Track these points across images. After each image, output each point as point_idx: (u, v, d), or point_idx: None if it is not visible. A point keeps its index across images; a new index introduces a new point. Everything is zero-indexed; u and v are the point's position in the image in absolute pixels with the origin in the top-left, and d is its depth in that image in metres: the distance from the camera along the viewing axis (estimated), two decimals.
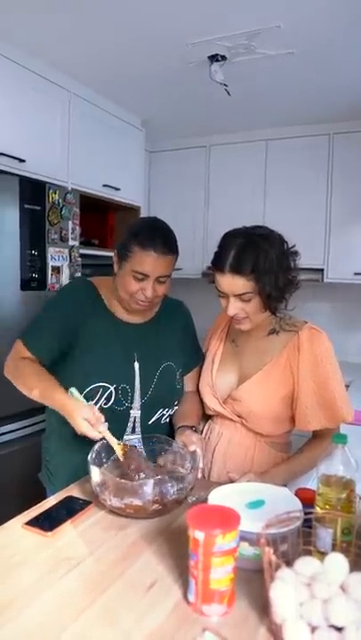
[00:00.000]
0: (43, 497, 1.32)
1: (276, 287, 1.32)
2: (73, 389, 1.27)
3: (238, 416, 1.45)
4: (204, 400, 1.53)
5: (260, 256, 1.28)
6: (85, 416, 1.20)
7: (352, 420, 1.38)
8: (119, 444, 1.27)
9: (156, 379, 1.46)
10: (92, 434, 1.21)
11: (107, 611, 0.83)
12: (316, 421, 1.37)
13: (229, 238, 1.34)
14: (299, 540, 0.93)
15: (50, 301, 1.52)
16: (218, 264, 1.33)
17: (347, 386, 2.16)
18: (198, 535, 0.81)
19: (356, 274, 3.21)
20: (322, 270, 3.33)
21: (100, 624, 0.80)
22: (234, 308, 1.35)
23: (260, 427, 1.43)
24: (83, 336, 1.43)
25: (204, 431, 1.56)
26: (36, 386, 1.33)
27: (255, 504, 1.02)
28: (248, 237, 1.32)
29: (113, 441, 1.25)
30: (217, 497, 1.04)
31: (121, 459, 1.25)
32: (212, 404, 1.50)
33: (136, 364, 1.44)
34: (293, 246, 1.39)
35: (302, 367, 1.37)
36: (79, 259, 2.67)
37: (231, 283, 1.31)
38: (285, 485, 1.31)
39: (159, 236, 1.36)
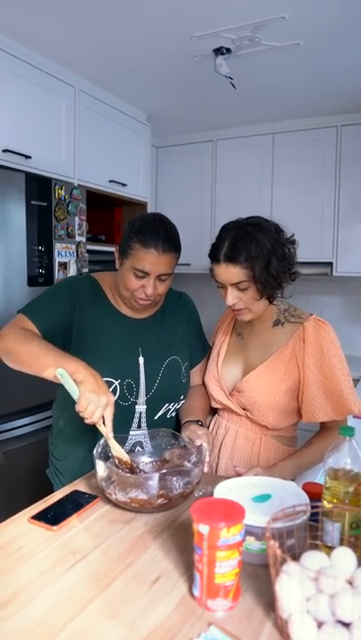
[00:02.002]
0: (50, 493, 1.32)
1: (269, 274, 1.32)
2: (62, 370, 1.16)
3: (244, 408, 1.45)
4: (210, 392, 1.53)
5: (252, 245, 1.31)
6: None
7: (360, 413, 1.36)
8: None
9: (161, 373, 1.45)
10: (94, 414, 1.16)
11: (112, 604, 0.82)
12: (322, 413, 1.36)
13: (224, 230, 1.38)
14: (306, 535, 0.92)
15: (49, 287, 1.52)
16: (214, 255, 1.37)
17: (356, 380, 2.14)
18: (203, 529, 0.80)
19: None
20: (331, 264, 3.30)
21: (104, 617, 0.79)
22: (232, 297, 1.36)
23: (265, 419, 1.42)
24: (85, 329, 1.41)
25: (211, 426, 1.56)
26: (44, 347, 1.26)
27: (262, 498, 1.01)
28: (241, 228, 1.35)
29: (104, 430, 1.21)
30: (223, 490, 1.03)
31: (114, 453, 1.23)
32: (218, 396, 1.50)
33: (140, 359, 1.43)
34: (292, 235, 1.40)
35: (308, 358, 1.37)
36: (86, 254, 2.67)
37: (226, 272, 1.34)
38: (293, 479, 1.31)
39: (160, 233, 1.34)
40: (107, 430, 1.19)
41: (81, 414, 1.15)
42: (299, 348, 1.39)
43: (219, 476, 1.39)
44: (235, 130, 3.56)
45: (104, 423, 1.19)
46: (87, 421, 1.16)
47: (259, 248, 1.31)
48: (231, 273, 1.33)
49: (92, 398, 1.14)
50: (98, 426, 1.18)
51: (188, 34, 2.24)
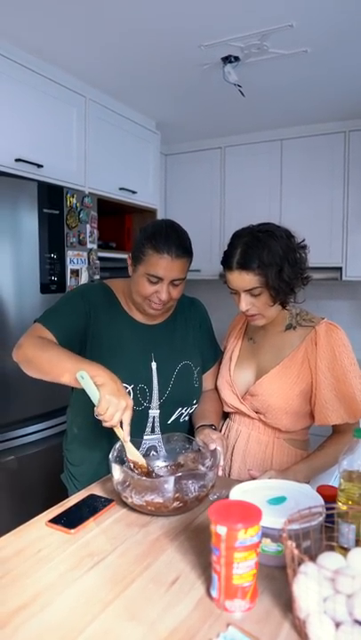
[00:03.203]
0: (65, 498, 1.33)
1: (282, 280, 1.34)
2: (83, 372, 1.17)
3: (257, 412, 1.46)
4: (222, 397, 1.54)
5: (264, 251, 1.32)
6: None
7: None
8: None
9: (173, 378, 1.46)
10: (114, 417, 1.16)
11: (130, 605, 0.83)
12: (335, 415, 1.37)
13: (236, 238, 1.40)
14: (321, 536, 0.92)
15: (65, 294, 1.53)
16: (226, 262, 1.39)
17: None
18: (220, 530, 0.81)
19: None
20: (340, 269, 3.30)
21: (123, 618, 0.80)
22: (245, 303, 1.38)
23: (278, 422, 1.43)
24: (99, 336, 1.43)
25: (223, 430, 1.57)
26: (63, 353, 1.27)
27: (277, 500, 1.02)
28: (253, 235, 1.36)
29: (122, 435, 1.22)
30: (238, 493, 1.04)
31: (129, 457, 1.24)
32: (230, 400, 1.51)
33: (153, 364, 1.45)
34: (303, 240, 1.41)
35: (320, 361, 1.38)
36: (97, 261, 2.70)
37: (239, 279, 1.36)
38: (308, 482, 1.31)
39: (173, 239, 1.35)
40: (124, 434, 1.21)
41: (100, 417, 1.16)
42: (311, 351, 1.40)
43: (233, 480, 1.40)
44: (243, 137, 3.58)
45: (121, 427, 1.20)
46: (106, 424, 1.17)
47: (271, 255, 1.32)
48: (244, 280, 1.35)
49: (112, 401, 1.15)
50: (115, 429, 1.20)
51: (197, 43, 2.26)
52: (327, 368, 1.37)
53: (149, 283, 1.37)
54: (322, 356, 1.38)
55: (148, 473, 1.26)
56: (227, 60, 2.40)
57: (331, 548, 0.89)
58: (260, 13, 2.02)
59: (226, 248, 1.41)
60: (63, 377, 1.22)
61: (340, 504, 0.96)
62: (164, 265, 1.34)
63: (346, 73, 2.58)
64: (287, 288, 1.36)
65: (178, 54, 2.38)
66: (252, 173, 3.57)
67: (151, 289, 1.37)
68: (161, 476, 1.27)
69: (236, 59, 2.38)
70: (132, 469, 1.22)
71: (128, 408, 1.18)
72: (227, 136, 3.63)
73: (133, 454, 1.24)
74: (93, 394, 1.17)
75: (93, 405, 1.17)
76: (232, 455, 1.51)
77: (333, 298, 3.61)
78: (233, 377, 1.51)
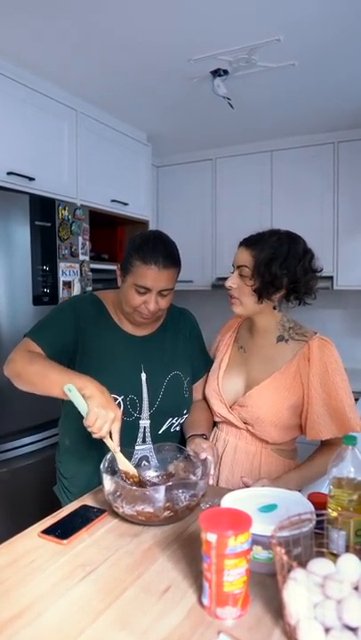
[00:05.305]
0: (58, 509, 1.33)
1: (268, 269, 1.38)
2: (70, 385, 1.19)
3: (245, 422, 1.46)
4: (211, 405, 1.55)
5: (269, 239, 1.41)
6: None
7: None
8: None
9: (163, 389, 1.47)
10: (102, 428, 1.18)
11: (122, 615, 0.84)
12: (327, 431, 1.38)
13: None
14: (312, 543, 0.93)
15: (54, 307, 1.56)
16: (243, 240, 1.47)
17: (358, 393, 2.15)
18: (211, 537, 0.81)
19: None
20: (331, 278, 3.33)
21: (116, 627, 0.80)
22: (231, 280, 1.46)
23: (266, 434, 1.44)
24: (89, 348, 1.44)
25: (211, 439, 1.57)
26: (51, 366, 1.29)
27: (268, 508, 1.02)
28: (277, 230, 1.46)
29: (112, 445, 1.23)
30: (230, 501, 1.05)
31: (120, 467, 1.25)
32: (219, 409, 1.51)
33: (143, 375, 1.46)
34: (321, 269, 1.49)
35: (313, 377, 1.39)
36: (90, 273, 2.71)
37: (239, 254, 1.45)
38: (300, 491, 1.32)
39: (160, 250, 1.37)
40: (114, 444, 1.21)
41: (89, 429, 1.17)
42: (303, 367, 1.41)
43: (224, 489, 1.40)
44: (234, 148, 3.61)
45: (111, 437, 1.21)
46: (95, 436, 1.18)
47: (272, 245, 1.39)
48: (241, 255, 1.43)
49: (100, 413, 1.16)
50: (105, 440, 1.20)
51: (186, 57, 2.30)
52: (319, 384, 1.39)
53: (138, 293, 1.38)
54: (315, 372, 1.39)
55: (140, 483, 1.26)
56: (216, 73, 2.43)
57: (321, 555, 0.90)
58: (247, 28, 2.05)
59: (222, 260, 1.50)
60: (52, 390, 1.24)
61: (330, 510, 0.97)
62: (151, 276, 1.35)
63: (333, 85, 2.63)
64: (267, 281, 1.39)
65: (168, 68, 2.41)
66: (243, 184, 3.60)
67: (140, 299, 1.38)
68: (154, 484, 1.27)
69: (225, 72, 2.42)
70: (123, 480, 1.22)
71: (117, 419, 1.19)
72: (217, 148, 3.66)
73: (124, 464, 1.25)
74: (81, 406, 1.18)
75: (83, 417, 1.18)
76: (220, 465, 1.51)
77: (325, 307, 3.64)
78: (222, 385, 1.52)
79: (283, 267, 1.38)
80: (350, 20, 2.00)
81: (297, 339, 1.45)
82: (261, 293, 1.41)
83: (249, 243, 1.42)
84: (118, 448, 1.22)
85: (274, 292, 1.42)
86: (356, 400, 1.47)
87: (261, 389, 1.43)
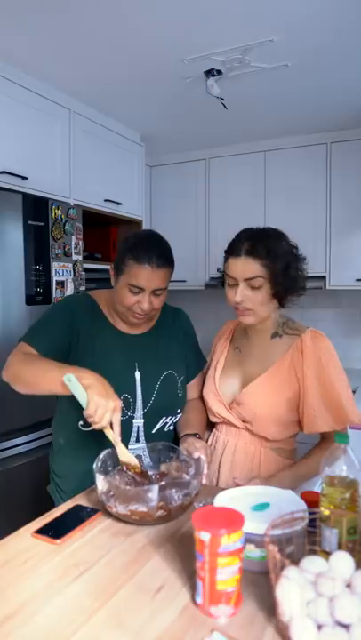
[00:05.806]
0: (51, 509, 1.33)
1: (287, 275, 1.37)
2: (70, 375, 1.19)
3: (243, 421, 1.46)
4: (209, 407, 1.55)
5: (274, 244, 1.37)
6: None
7: (359, 422, 1.38)
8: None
9: (157, 387, 1.47)
10: (103, 418, 1.18)
11: (116, 614, 0.84)
12: (323, 423, 1.38)
13: (244, 231, 1.42)
14: (304, 541, 0.94)
15: (48, 308, 1.56)
16: (233, 250, 1.39)
17: (353, 391, 2.16)
18: (204, 536, 0.82)
19: (357, 280, 3.23)
20: (324, 277, 3.35)
21: (110, 626, 0.81)
22: (241, 295, 1.38)
23: (265, 430, 1.44)
24: (84, 347, 1.44)
25: (209, 440, 1.58)
26: (47, 363, 1.30)
27: (260, 506, 1.03)
28: (263, 230, 1.41)
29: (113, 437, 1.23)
30: (223, 500, 1.05)
31: (122, 458, 1.25)
32: (217, 409, 1.51)
33: (137, 374, 1.46)
34: (304, 258, 1.46)
35: (307, 369, 1.39)
36: (83, 273, 2.71)
37: (245, 266, 1.36)
38: (293, 490, 1.32)
39: (153, 249, 1.37)
40: (115, 435, 1.21)
41: (90, 419, 1.17)
42: (297, 360, 1.41)
43: (218, 488, 1.40)
44: (227, 148, 3.63)
45: (112, 428, 1.21)
46: (96, 426, 1.18)
47: (281, 249, 1.37)
48: (250, 267, 1.35)
49: (101, 402, 1.16)
50: (105, 430, 1.20)
51: (180, 57, 2.30)
52: (314, 376, 1.39)
53: (131, 293, 1.38)
54: (309, 365, 1.39)
55: (142, 473, 1.26)
56: (209, 73, 2.44)
57: (314, 553, 0.91)
58: (241, 28, 2.06)
59: (216, 260, 1.46)
60: (52, 386, 1.23)
61: (322, 509, 0.97)
62: (145, 275, 1.36)
63: (326, 86, 2.64)
64: (288, 286, 1.39)
65: (161, 68, 2.41)
66: (236, 184, 3.61)
67: (133, 299, 1.39)
68: (153, 475, 1.28)
69: (219, 72, 2.43)
70: (125, 471, 1.23)
71: (117, 409, 1.20)
72: (211, 148, 3.67)
73: (125, 455, 1.25)
74: (82, 396, 1.17)
75: (78, 415, 1.18)
76: (219, 466, 1.51)
77: (318, 306, 3.66)
78: (219, 386, 1.52)
79: (298, 268, 1.40)
80: (344, 22, 2.01)
81: (290, 333, 1.46)
82: (284, 298, 1.42)
83: (252, 252, 1.35)
84: (119, 438, 1.22)
85: (292, 293, 1.43)
86: (354, 392, 1.47)
87: (257, 385, 1.43)
